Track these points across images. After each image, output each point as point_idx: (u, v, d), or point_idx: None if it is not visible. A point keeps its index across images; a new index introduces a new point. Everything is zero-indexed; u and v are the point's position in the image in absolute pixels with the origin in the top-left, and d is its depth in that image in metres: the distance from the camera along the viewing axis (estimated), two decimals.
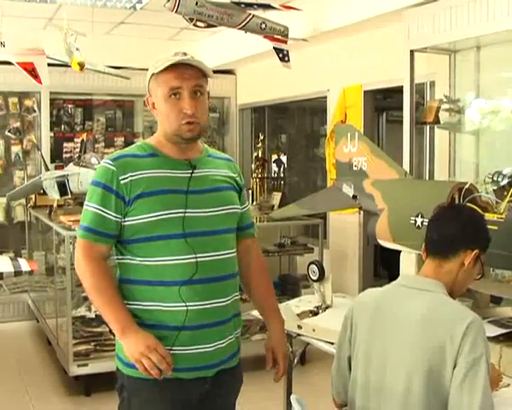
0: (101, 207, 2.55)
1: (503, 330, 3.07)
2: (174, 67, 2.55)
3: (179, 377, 2.53)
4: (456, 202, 3.45)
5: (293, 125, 10.23)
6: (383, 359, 2.50)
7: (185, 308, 2.52)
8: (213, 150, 2.85)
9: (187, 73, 2.57)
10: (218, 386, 2.64)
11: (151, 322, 2.54)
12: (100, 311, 2.60)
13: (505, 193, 3.75)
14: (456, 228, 2.59)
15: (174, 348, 2.52)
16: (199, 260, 2.54)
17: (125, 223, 2.56)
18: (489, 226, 3.08)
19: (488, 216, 3.30)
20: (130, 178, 2.54)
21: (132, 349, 2.46)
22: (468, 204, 3.34)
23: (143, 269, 2.56)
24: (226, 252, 2.65)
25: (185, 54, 2.59)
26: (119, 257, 2.65)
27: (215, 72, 2.75)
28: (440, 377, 2.33)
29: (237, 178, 2.83)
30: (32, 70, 6.30)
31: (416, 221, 3.49)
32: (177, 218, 2.53)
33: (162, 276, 2.53)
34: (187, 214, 2.54)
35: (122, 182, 2.53)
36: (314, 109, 9.48)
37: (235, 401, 2.84)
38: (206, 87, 2.65)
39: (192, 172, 2.63)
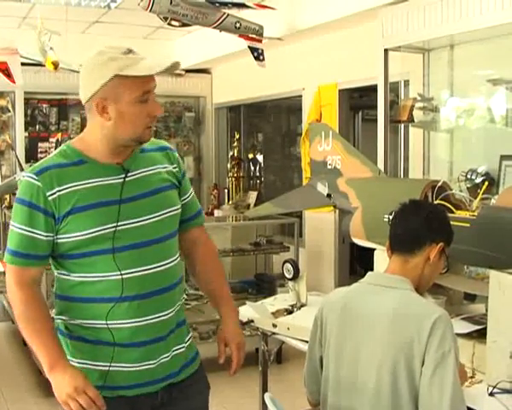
0: (28, 228, 2.33)
1: (476, 327, 3.09)
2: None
3: (123, 394, 2.40)
4: (430, 199, 3.47)
5: (269, 125, 10.25)
6: (354, 357, 2.51)
7: (107, 326, 2.36)
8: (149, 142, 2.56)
9: (153, 74, 2.38)
10: (172, 400, 2.50)
11: (88, 337, 2.40)
12: (28, 341, 2.38)
13: (479, 190, 3.78)
14: (419, 221, 2.61)
15: (113, 364, 2.38)
16: (127, 276, 2.35)
17: (58, 240, 2.36)
18: (461, 224, 3.11)
19: (461, 213, 3.32)
20: (57, 194, 2.32)
21: (59, 390, 2.25)
22: (441, 202, 3.36)
23: (76, 285, 2.39)
24: (168, 261, 2.46)
25: (131, 51, 2.39)
26: (55, 271, 2.48)
27: (190, 71, 2.73)
28: (410, 373, 2.35)
29: (175, 170, 2.59)
30: (5, 69, 6.27)
31: (389, 219, 3.49)
32: (108, 233, 2.34)
33: (94, 293, 2.37)
34: (119, 228, 2.35)
35: (50, 198, 2.31)
36: (290, 108, 9.51)
37: (206, 404, 2.67)
38: None
39: (125, 177, 2.41)
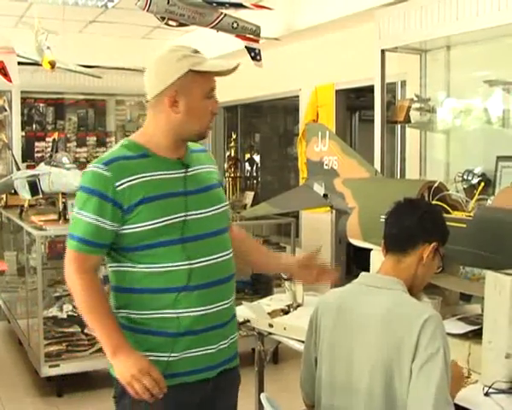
0: (97, 217, 2.41)
1: (472, 327, 3.09)
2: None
3: (183, 380, 2.49)
4: (426, 200, 3.47)
5: (266, 125, 10.26)
6: (347, 357, 2.50)
7: (177, 316, 2.46)
8: (191, 144, 2.70)
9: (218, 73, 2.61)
10: (219, 388, 2.60)
11: (152, 329, 2.48)
12: (90, 327, 2.47)
13: (475, 191, 3.79)
14: (413, 221, 2.59)
15: (173, 353, 2.46)
16: (196, 265, 2.47)
17: (124, 231, 2.45)
18: (458, 224, 3.11)
19: (457, 214, 3.33)
20: (127, 184, 2.42)
21: (124, 371, 2.35)
22: (438, 202, 3.37)
23: (143, 277, 2.47)
24: (227, 253, 2.60)
25: (198, 51, 2.62)
26: (114, 265, 2.54)
27: None
28: (401, 373, 2.33)
29: (217, 171, 2.80)
30: (1, 68, 6.26)
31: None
32: (178, 222, 2.45)
33: (162, 283, 2.45)
34: (188, 217, 2.48)
35: (118, 189, 2.41)
36: (287, 108, 9.52)
37: (236, 403, 2.79)
38: None
39: (186, 172, 2.55)
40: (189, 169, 2.57)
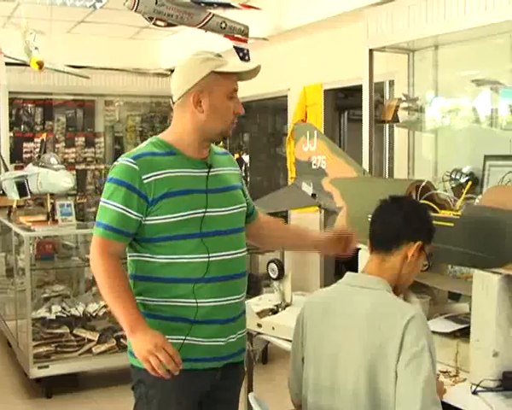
0: (124, 207, 2.56)
1: (460, 326, 3.10)
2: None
3: (195, 367, 2.61)
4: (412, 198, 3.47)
5: (255, 125, 10.24)
6: (332, 358, 2.49)
7: (196, 304, 2.59)
8: (214, 147, 2.87)
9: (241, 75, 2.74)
10: (226, 378, 2.74)
11: (166, 315, 2.61)
12: (110, 307, 2.61)
13: (463, 190, 3.79)
14: (397, 220, 2.57)
15: (187, 338, 2.59)
16: (213, 259, 2.61)
17: (147, 222, 2.59)
18: (445, 223, 3.12)
19: (445, 213, 3.33)
20: (153, 178, 2.57)
21: (140, 347, 2.44)
22: (426, 202, 3.37)
23: (161, 267, 2.61)
24: (242, 250, 2.75)
25: (220, 55, 2.72)
26: (134, 254, 2.69)
27: None
28: (386, 373, 2.32)
29: (239, 173, 2.95)
30: None
31: None
32: (197, 218, 2.59)
33: (178, 274, 2.60)
34: (207, 214, 2.62)
35: (145, 181, 2.56)
36: (276, 108, 9.51)
37: (239, 395, 2.94)
38: None
39: (208, 172, 2.69)
40: (212, 169, 2.72)
